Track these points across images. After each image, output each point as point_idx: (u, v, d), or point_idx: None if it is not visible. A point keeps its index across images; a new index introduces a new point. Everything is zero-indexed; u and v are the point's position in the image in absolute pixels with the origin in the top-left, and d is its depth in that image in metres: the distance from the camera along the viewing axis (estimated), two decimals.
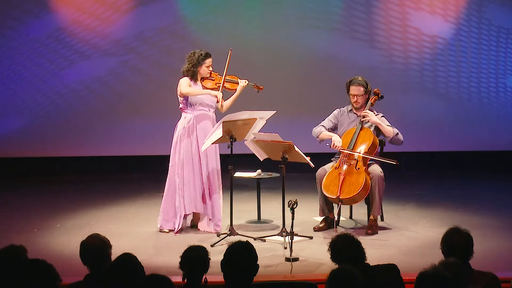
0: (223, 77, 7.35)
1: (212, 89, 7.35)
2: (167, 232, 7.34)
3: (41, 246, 6.85)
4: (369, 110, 7.45)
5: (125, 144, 10.24)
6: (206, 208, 7.35)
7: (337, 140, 7.39)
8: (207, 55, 7.35)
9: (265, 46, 10.10)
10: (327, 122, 7.60)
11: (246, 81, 7.45)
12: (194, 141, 7.30)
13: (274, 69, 10.10)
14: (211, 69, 7.38)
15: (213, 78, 7.40)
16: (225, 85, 7.38)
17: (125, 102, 10.22)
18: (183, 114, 7.38)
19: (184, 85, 7.30)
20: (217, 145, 7.35)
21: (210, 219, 7.36)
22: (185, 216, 7.38)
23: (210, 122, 7.35)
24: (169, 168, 7.40)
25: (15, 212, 8.35)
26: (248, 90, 7.49)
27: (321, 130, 7.54)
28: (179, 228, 7.32)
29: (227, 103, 7.46)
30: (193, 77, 7.35)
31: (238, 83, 7.43)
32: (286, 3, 10.10)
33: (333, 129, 7.58)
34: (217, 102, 7.32)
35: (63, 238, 7.21)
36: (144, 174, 10.01)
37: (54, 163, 10.32)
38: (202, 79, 7.39)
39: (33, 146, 10.26)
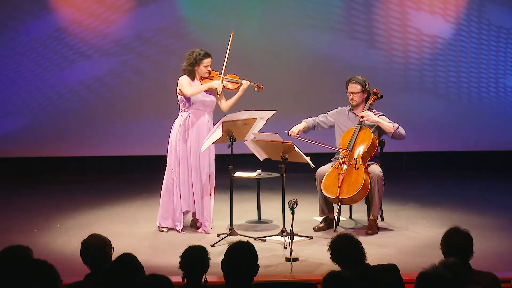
0: (224, 63, 7.30)
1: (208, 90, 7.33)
2: (166, 232, 7.36)
3: (41, 246, 6.84)
4: (368, 110, 7.45)
5: (125, 144, 10.23)
6: (196, 208, 7.35)
7: (294, 127, 7.48)
8: (206, 55, 7.33)
9: (265, 46, 10.10)
10: (322, 116, 7.63)
11: (248, 82, 7.43)
12: (188, 141, 7.31)
13: (274, 69, 10.10)
14: (209, 69, 7.37)
15: (213, 78, 7.40)
16: (225, 84, 7.37)
17: (125, 102, 10.22)
18: (181, 113, 7.39)
19: (186, 85, 7.28)
20: (212, 146, 7.35)
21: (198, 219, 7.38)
22: (183, 213, 7.39)
23: (205, 124, 7.32)
24: (167, 166, 7.41)
25: (15, 212, 8.36)
26: (248, 90, 7.48)
27: (303, 121, 7.58)
28: (182, 226, 7.35)
29: (229, 102, 7.47)
30: (191, 75, 7.35)
31: (238, 83, 7.42)
32: (286, 3, 10.10)
33: (327, 124, 7.59)
34: (217, 94, 7.29)
35: (63, 238, 7.21)
36: (144, 174, 10.01)
37: (54, 163, 10.32)
38: (202, 78, 7.39)
39: (33, 146, 10.25)
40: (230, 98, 7.49)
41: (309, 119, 7.63)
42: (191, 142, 7.30)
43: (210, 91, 7.35)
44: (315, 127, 7.62)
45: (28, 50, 10.08)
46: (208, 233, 7.29)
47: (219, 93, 7.32)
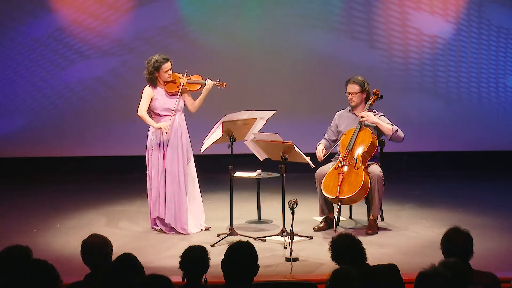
0: (180, 88, 7.21)
1: (173, 93, 7.26)
2: (159, 231, 7.35)
3: (41, 246, 6.85)
4: (368, 110, 7.45)
5: (124, 144, 10.23)
6: (168, 214, 7.30)
7: (318, 153, 7.36)
8: (163, 61, 7.24)
9: (265, 46, 10.09)
10: (329, 132, 7.58)
11: (210, 81, 7.30)
12: (161, 148, 7.29)
13: (274, 69, 10.10)
14: (170, 73, 7.29)
15: (175, 81, 7.31)
16: (188, 88, 7.30)
17: (125, 102, 10.20)
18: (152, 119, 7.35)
19: (142, 102, 7.25)
20: (187, 149, 7.32)
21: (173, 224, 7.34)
22: (154, 220, 7.37)
23: (176, 127, 7.28)
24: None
25: (15, 212, 8.36)
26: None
27: (319, 144, 7.52)
28: (156, 229, 7.37)
29: (196, 103, 7.41)
30: (153, 83, 7.30)
31: (201, 84, 7.32)
32: (286, 3, 10.10)
33: (336, 135, 7.55)
34: (165, 132, 7.20)
35: (63, 238, 7.22)
36: (144, 174, 9.97)
37: (54, 163, 10.32)
38: (165, 83, 7.33)
39: (33, 146, 10.25)
40: (197, 99, 7.41)
41: (322, 141, 7.56)
42: (163, 148, 7.28)
43: (172, 94, 7.29)
44: (331, 145, 7.56)
45: (28, 50, 10.09)
46: (188, 233, 7.27)
47: (167, 131, 7.18)
